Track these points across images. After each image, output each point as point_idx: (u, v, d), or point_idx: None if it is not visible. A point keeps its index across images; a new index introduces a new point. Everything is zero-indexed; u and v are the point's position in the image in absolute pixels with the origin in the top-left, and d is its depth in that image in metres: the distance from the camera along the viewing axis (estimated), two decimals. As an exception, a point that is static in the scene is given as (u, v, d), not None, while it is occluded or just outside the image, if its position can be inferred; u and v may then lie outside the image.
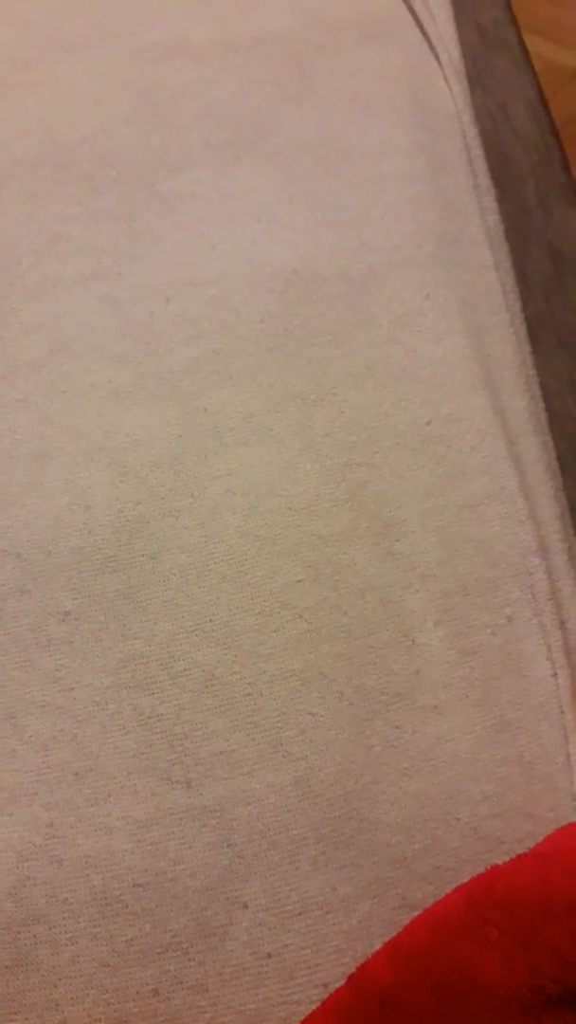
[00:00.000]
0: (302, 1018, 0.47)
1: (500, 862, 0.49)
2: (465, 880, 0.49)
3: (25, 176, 0.71)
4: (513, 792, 0.52)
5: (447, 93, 0.82)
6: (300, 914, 0.49)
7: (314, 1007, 0.47)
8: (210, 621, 0.55)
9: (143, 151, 0.72)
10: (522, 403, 0.64)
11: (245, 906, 0.49)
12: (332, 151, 0.74)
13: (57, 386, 0.62)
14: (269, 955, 0.48)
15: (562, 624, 0.56)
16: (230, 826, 0.50)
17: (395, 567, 0.57)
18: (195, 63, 0.77)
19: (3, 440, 0.60)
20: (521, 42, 1.23)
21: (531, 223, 1.12)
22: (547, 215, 1.12)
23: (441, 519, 0.58)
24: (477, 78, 1.20)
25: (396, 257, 0.69)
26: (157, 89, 0.76)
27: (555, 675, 0.55)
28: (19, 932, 0.48)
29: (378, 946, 0.49)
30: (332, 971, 0.48)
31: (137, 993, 0.47)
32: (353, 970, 0.48)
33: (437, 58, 0.84)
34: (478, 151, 0.80)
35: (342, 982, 0.48)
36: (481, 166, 0.79)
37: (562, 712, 0.54)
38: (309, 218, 0.69)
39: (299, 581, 0.56)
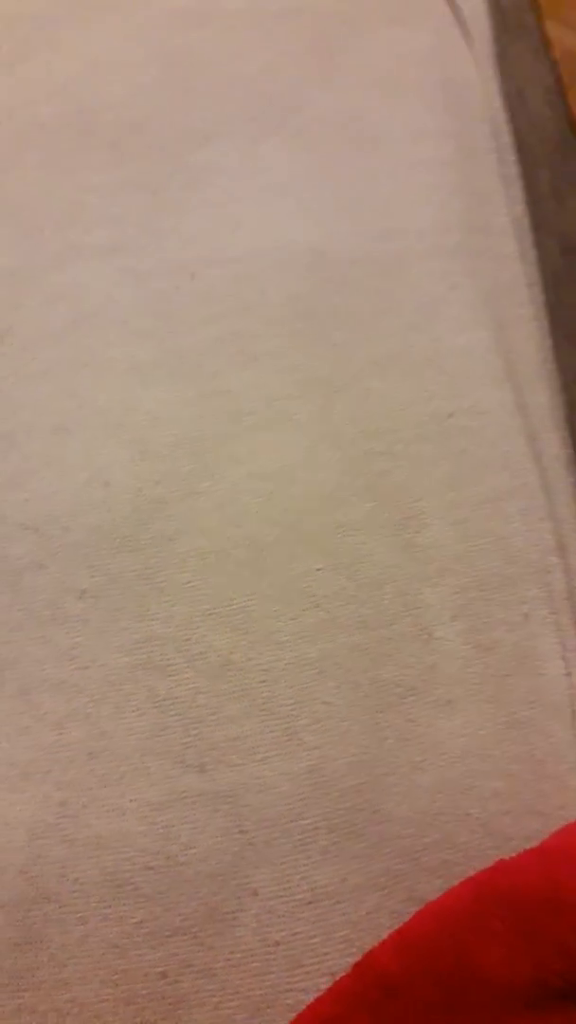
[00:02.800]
0: (308, 1005, 0.47)
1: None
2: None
3: (48, 142, 0.69)
4: (523, 789, 0.52)
5: (476, 78, 0.81)
6: (309, 903, 0.49)
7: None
8: (227, 606, 0.55)
9: (169, 121, 0.71)
10: (544, 398, 0.64)
11: (255, 893, 0.49)
12: (360, 132, 0.73)
13: (79, 359, 0.61)
14: (277, 943, 0.48)
15: (578, 624, 0.56)
16: (242, 812, 0.50)
17: (413, 559, 0.56)
18: (225, 32, 0.76)
19: (24, 411, 0.59)
20: (541, 28, 1.22)
21: (543, 213, 1.11)
22: (560, 205, 1.11)
23: (460, 513, 0.58)
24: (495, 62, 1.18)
25: (422, 244, 0.68)
26: (185, 57, 0.74)
27: (568, 674, 0.55)
28: (29, 910, 0.48)
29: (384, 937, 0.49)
30: (339, 961, 0.48)
31: (145, 975, 0.47)
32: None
33: (467, 42, 0.83)
34: (506, 139, 0.79)
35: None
36: (509, 155, 0.78)
37: (574, 712, 0.54)
38: (336, 200, 0.68)
39: (317, 569, 0.56)
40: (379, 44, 0.77)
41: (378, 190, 0.70)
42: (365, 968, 0.47)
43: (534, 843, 0.51)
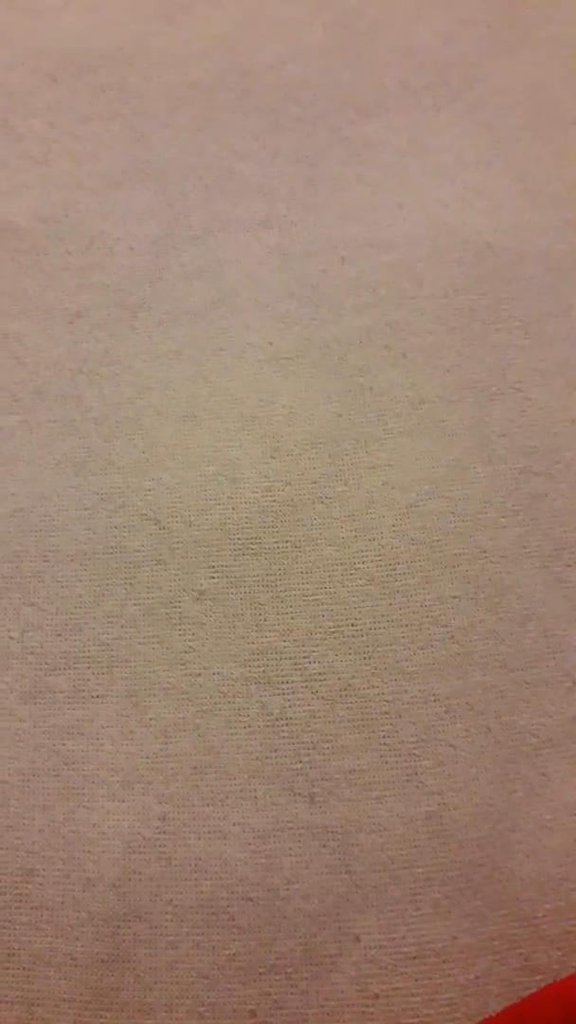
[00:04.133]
0: (403, 1069, 0.44)
1: None
2: (597, 952, 0.45)
3: (201, 102, 0.65)
4: None
5: None
6: (415, 958, 0.45)
7: (418, 1061, 0.44)
8: (352, 625, 0.51)
9: (332, 87, 0.66)
10: None
11: (357, 939, 0.45)
12: (542, 111, 0.66)
13: (214, 341, 0.57)
14: (376, 996, 0.45)
15: None
16: (351, 851, 0.47)
17: (563, 597, 0.51)
18: (399, -8, 0.70)
19: (153, 394, 0.55)
20: None
21: None
22: None
23: (618, 548, 0.53)
24: None
25: (599, 241, 0.61)
26: (355, 18, 0.68)
27: None
28: (119, 927, 0.45)
29: (493, 1007, 0.45)
30: (441, 1025, 0.45)
31: (234, 1011, 0.44)
32: (465, 1029, 0.44)
33: None
34: None
35: (451, 1040, 0.44)
36: None
37: None
38: (510, 186, 0.62)
39: (455, 597, 0.51)
40: (571, 13, 0.70)
41: (557, 178, 0.63)
42: (471, 1042, 0.44)
43: None
